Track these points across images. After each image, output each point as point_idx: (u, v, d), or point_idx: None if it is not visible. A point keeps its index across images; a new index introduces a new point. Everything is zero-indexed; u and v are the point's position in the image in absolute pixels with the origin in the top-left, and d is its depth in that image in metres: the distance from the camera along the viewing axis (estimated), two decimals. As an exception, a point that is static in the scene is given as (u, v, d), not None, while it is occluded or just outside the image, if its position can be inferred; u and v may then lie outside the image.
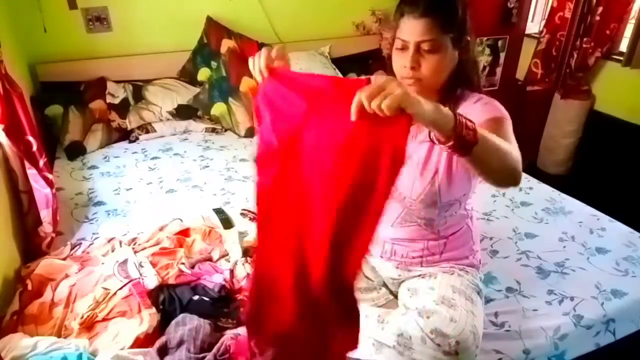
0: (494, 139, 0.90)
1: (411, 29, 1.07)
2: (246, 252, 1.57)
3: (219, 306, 1.36)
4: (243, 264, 1.52)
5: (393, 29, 1.13)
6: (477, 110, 1.10)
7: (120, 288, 1.37)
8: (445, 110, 0.82)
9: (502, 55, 2.99)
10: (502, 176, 0.95)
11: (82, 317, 1.28)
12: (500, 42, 2.94)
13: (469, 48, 1.14)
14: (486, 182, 0.97)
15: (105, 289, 1.37)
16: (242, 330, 1.23)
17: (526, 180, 2.17)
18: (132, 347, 1.20)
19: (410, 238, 1.28)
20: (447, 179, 1.17)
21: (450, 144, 0.83)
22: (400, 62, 1.11)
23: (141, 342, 1.22)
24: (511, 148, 0.95)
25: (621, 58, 2.72)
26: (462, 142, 0.83)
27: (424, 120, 0.80)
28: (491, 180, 0.96)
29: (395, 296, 1.34)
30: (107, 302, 1.33)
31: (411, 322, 1.10)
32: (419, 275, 1.29)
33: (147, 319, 1.27)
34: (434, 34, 1.06)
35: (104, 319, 1.30)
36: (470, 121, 0.85)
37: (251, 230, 1.71)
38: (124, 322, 1.28)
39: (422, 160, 1.18)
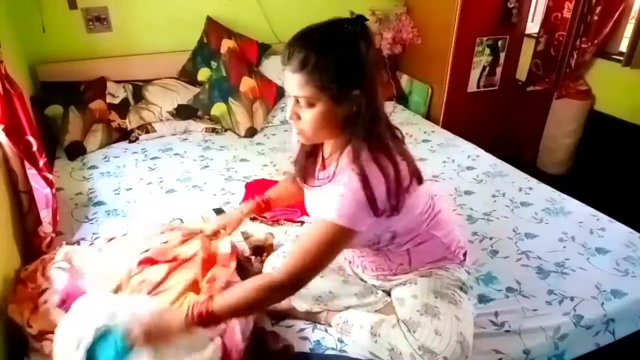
0: (232, 303, 1.03)
1: (287, 81, 1.02)
2: (257, 251, 1.57)
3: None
4: (254, 261, 1.52)
5: None
6: (328, 198, 1.05)
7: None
8: (169, 316, 1.06)
9: (502, 55, 2.99)
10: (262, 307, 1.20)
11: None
12: (500, 42, 2.94)
13: (361, 102, 1.01)
14: None
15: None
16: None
17: (526, 180, 2.17)
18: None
19: (371, 255, 1.29)
20: None
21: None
22: (287, 109, 1.09)
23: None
24: (252, 299, 1.04)
25: (621, 58, 2.72)
26: (204, 323, 1.02)
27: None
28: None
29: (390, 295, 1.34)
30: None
31: (400, 337, 1.12)
32: (401, 283, 1.29)
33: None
34: (307, 92, 0.99)
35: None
36: (204, 309, 1.01)
37: (252, 230, 1.71)
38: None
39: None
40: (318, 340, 1.30)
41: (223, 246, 1.47)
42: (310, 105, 1.02)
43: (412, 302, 1.20)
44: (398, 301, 1.26)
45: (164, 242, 1.45)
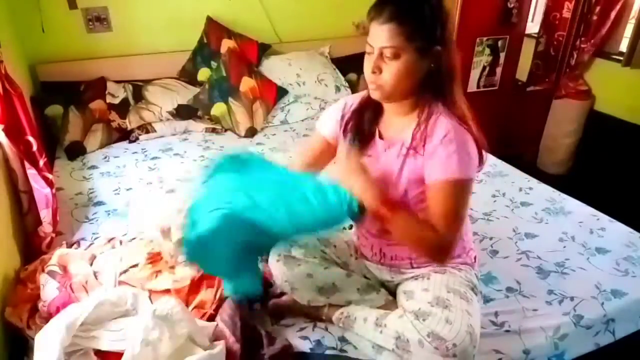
0: (413, 230, 1.09)
1: (375, 34, 1.08)
2: None
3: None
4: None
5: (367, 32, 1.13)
6: (434, 161, 1.11)
7: None
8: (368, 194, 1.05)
9: (502, 55, 2.99)
10: (416, 252, 1.19)
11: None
12: (500, 42, 2.94)
13: (441, 58, 1.10)
14: None
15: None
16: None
17: (526, 180, 2.17)
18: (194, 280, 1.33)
19: (399, 248, 1.29)
20: (417, 194, 1.18)
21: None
22: (366, 66, 1.13)
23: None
24: (429, 236, 1.09)
25: (621, 58, 2.72)
26: (386, 210, 1.06)
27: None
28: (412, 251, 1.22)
29: (394, 296, 1.34)
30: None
31: (408, 325, 1.11)
32: (413, 277, 1.29)
33: None
34: (396, 42, 1.06)
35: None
36: (392, 204, 1.06)
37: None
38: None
39: (396, 174, 1.19)
40: (318, 340, 1.29)
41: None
42: (396, 56, 1.07)
43: (422, 294, 1.20)
44: (406, 294, 1.25)
45: (134, 266, 1.43)
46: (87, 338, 1.15)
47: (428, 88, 1.14)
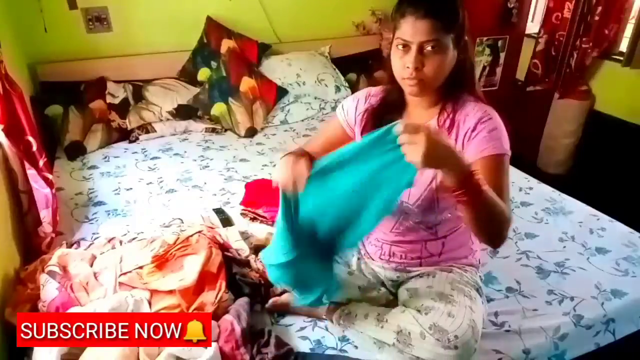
0: (495, 200, 0.99)
1: (414, 29, 1.06)
2: (257, 251, 1.57)
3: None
4: (255, 261, 1.52)
5: (393, 28, 1.12)
6: (480, 139, 1.11)
7: (192, 235, 1.50)
8: (463, 162, 0.94)
9: (502, 55, 3.00)
10: (485, 233, 1.07)
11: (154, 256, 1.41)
12: (500, 42, 2.94)
13: (467, 49, 1.14)
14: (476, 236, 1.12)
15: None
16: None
17: (526, 180, 2.17)
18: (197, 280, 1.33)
19: (408, 240, 1.29)
20: (444, 184, 1.15)
21: (458, 192, 0.95)
22: (402, 63, 1.10)
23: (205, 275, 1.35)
24: (504, 209, 1.02)
25: (621, 58, 2.72)
26: (468, 195, 0.95)
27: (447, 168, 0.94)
28: (477, 234, 1.10)
29: (395, 296, 1.34)
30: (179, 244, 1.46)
31: (410, 319, 1.11)
32: (418, 275, 1.29)
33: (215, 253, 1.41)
34: (437, 34, 1.05)
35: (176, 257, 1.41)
36: (480, 180, 0.96)
37: (252, 230, 1.71)
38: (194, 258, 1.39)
39: None
40: (318, 340, 1.29)
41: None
42: (437, 50, 1.07)
43: (426, 291, 1.20)
44: (409, 292, 1.25)
45: (140, 267, 1.43)
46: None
47: (455, 79, 1.15)
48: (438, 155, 0.90)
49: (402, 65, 1.10)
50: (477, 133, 1.11)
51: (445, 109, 1.17)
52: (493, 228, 1.05)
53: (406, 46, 1.08)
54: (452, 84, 1.15)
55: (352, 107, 1.31)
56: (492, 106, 1.20)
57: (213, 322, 1.24)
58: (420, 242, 1.28)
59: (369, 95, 1.30)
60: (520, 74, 3.19)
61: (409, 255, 1.30)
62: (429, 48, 1.06)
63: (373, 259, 1.37)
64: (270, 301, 1.39)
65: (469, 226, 1.09)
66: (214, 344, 1.17)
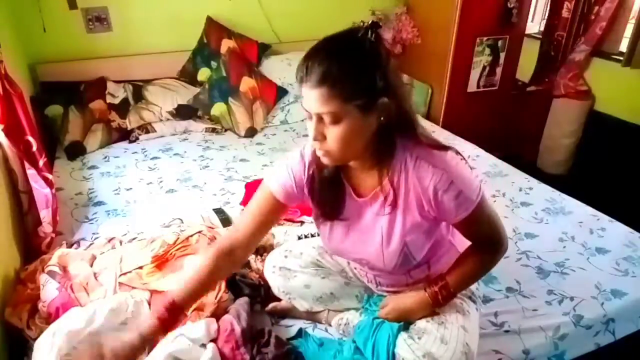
0: (465, 274, 1.12)
1: (307, 99, 0.93)
2: (257, 251, 1.57)
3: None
4: (254, 261, 1.53)
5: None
6: (450, 208, 1.00)
7: (192, 235, 1.50)
8: (424, 303, 1.12)
9: (502, 55, 2.99)
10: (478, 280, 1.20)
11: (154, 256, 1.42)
12: (500, 42, 2.94)
13: (390, 109, 0.95)
14: None
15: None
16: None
17: (526, 180, 2.17)
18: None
19: (390, 279, 1.24)
20: (417, 243, 1.09)
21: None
22: (308, 130, 0.98)
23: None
24: (479, 263, 1.12)
25: (621, 58, 2.72)
26: (447, 300, 1.12)
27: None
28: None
29: None
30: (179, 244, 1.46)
31: (403, 345, 1.09)
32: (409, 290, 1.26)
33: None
34: (332, 106, 0.90)
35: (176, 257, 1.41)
36: (445, 287, 1.11)
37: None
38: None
39: (385, 232, 1.08)
40: (318, 340, 1.30)
41: None
42: (336, 121, 0.92)
43: None
44: None
45: (140, 267, 1.43)
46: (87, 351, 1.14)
47: (385, 139, 1.00)
48: (402, 315, 1.14)
49: (309, 134, 0.98)
50: (442, 202, 1.00)
51: (384, 174, 1.04)
52: (481, 277, 1.18)
53: (308, 115, 0.96)
54: (383, 144, 1.01)
55: (286, 178, 1.13)
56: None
57: (213, 322, 1.24)
58: (405, 274, 1.20)
59: (302, 159, 1.13)
60: (520, 74, 3.19)
61: (395, 284, 1.24)
62: (327, 119, 0.93)
63: (360, 280, 1.34)
64: (270, 305, 1.39)
65: None
66: (212, 345, 1.18)
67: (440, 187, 0.98)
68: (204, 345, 1.18)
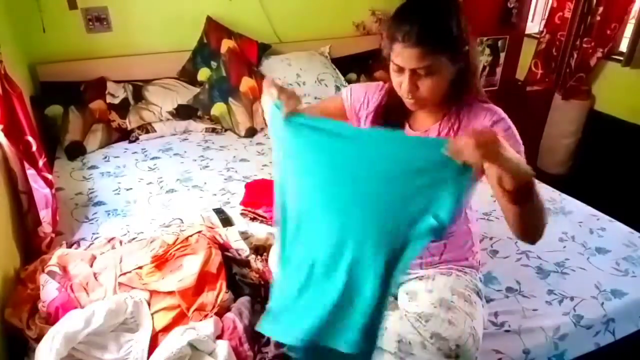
0: (542, 204, 0.99)
1: (404, 57, 1.04)
2: (257, 251, 1.57)
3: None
4: (255, 261, 1.52)
5: (387, 48, 1.10)
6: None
7: (191, 235, 1.50)
8: (525, 167, 0.92)
9: (502, 55, 3.00)
10: (528, 234, 1.04)
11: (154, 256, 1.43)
12: (500, 42, 2.95)
13: (469, 55, 1.10)
14: (511, 231, 1.05)
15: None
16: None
17: (526, 180, 2.17)
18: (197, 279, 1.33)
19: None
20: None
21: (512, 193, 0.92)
22: (398, 82, 1.10)
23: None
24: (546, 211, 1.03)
25: (621, 58, 2.72)
26: (523, 196, 0.93)
27: (509, 171, 0.89)
28: (516, 232, 1.04)
29: (395, 297, 1.34)
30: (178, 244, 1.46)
31: (410, 328, 1.10)
32: (417, 277, 1.29)
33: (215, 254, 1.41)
34: (428, 60, 1.03)
35: (175, 257, 1.42)
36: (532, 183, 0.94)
37: (253, 230, 1.71)
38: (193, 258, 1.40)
39: None
40: (318, 340, 1.29)
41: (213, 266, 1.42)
42: (431, 73, 1.05)
43: (426, 295, 1.19)
44: (408, 295, 1.24)
45: (139, 268, 1.43)
46: (86, 353, 1.15)
47: (458, 85, 1.13)
48: (493, 149, 0.84)
49: (398, 84, 1.11)
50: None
51: (450, 112, 1.17)
52: (537, 228, 1.03)
53: (400, 69, 1.08)
54: (456, 90, 1.14)
55: (360, 97, 1.29)
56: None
57: (217, 320, 1.25)
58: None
59: (378, 90, 1.28)
60: (521, 74, 3.19)
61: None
62: (422, 73, 1.05)
63: None
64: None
65: (510, 224, 1.04)
66: (225, 342, 1.19)
67: (495, 121, 1.14)
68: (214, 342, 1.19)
